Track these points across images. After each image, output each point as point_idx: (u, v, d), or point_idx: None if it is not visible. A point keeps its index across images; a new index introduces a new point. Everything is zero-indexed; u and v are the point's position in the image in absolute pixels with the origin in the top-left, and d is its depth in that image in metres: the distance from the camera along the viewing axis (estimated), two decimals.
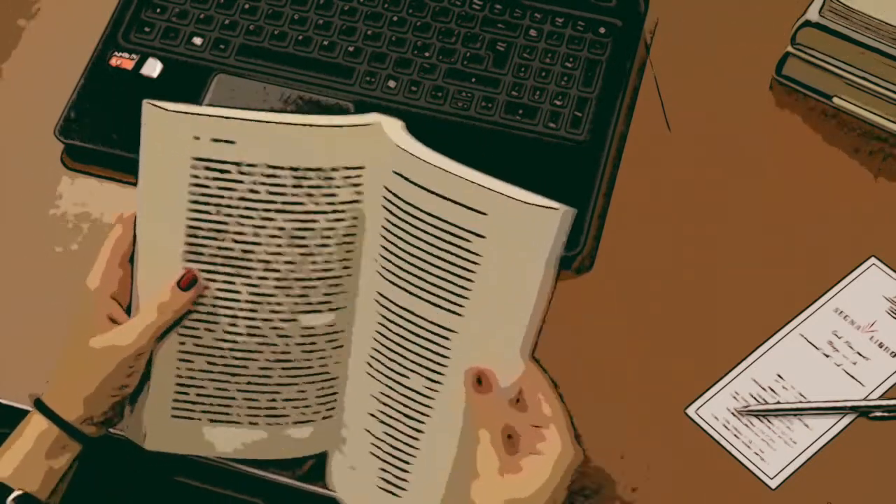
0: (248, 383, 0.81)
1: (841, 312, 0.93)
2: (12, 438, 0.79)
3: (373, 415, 0.79)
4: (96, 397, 0.78)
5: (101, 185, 0.99)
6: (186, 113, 0.76)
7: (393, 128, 0.76)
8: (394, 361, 0.77)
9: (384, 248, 0.76)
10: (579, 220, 0.95)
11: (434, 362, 0.76)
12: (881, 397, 0.89)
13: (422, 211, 0.73)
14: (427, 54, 1.03)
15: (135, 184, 0.98)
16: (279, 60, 1.03)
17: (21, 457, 0.78)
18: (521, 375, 0.76)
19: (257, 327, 0.80)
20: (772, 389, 0.90)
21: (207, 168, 0.76)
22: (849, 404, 0.89)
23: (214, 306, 0.79)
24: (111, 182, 0.99)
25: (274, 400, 0.81)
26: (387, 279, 0.76)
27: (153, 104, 0.75)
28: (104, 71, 1.02)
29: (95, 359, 0.78)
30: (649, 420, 0.89)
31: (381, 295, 0.77)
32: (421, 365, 0.76)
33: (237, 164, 0.76)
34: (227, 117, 0.76)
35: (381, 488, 0.80)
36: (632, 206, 0.98)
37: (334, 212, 0.77)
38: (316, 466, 0.85)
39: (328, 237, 0.78)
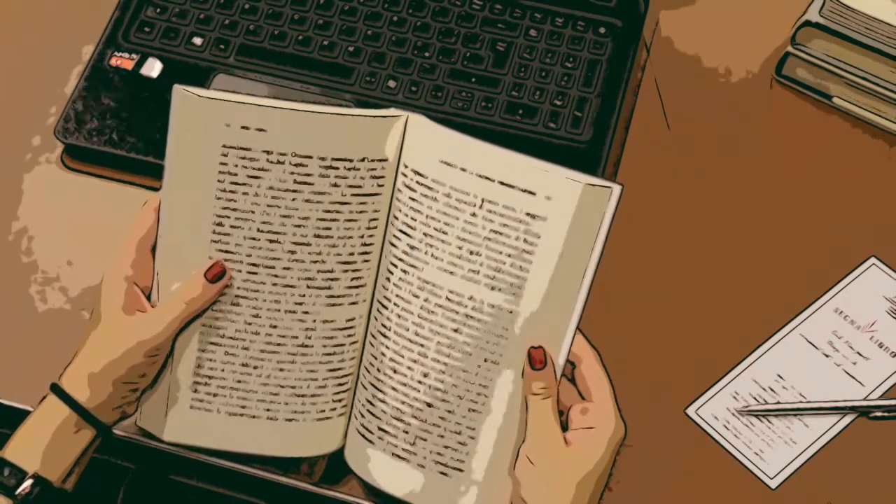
0: (269, 376, 0.81)
1: (841, 312, 0.93)
2: (29, 422, 0.78)
3: (427, 402, 0.79)
4: (118, 385, 0.78)
5: (101, 185, 0.99)
6: (218, 99, 0.75)
7: (420, 122, 0.77)
8: (447, 346, 0.77)
9: (429, 235, 0.76)
10: None
11: (492, 343, 0.77)
12: (881, 397, 0.89)
13: (477, 197, 0.75)
14: (427, 54, 1.03)
15: (135, 184, 0.99)
16: (279, 60, 1.03)
17: (37, 441, 0.77)
18: (572, 350, 0.77)
19: (280, 319, 0.80)
20: (772, 389, 0.90)
21: (237, 156, 0.76)
22: (849, 404, 0.89)
23: (238, 297, 0.79)
24: (111, 182, 0.99)
25: (294, 394, 0.81)
26: (435, 266, 0.76)
27: (185, 89, 0.75)
28: (104, 71, 1.02)
29: (119, 347, 0.77)
30: (649, 420, 0.88)
31: (426, 282, 0.77)
32: (479, 347, 0.77)
33: (267, 152, 0.76)
34: (258, 105, 0.75)
35: (440, 472, 0.80)
36: (632, 206, 0.98)
37: (359, 203, 0.78)
38: (328, 468, 0.86)
39: (350, 229, 0.78)
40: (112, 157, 0.98)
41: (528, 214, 0.75)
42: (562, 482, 0.74)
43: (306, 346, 0.80)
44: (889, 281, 0.94)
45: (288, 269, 0.78)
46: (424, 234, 0.77)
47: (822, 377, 0.90)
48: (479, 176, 0.75)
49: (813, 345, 0.91)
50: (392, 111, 0.77)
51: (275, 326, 0.80)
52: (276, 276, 0.79)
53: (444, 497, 0.80)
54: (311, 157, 0.76)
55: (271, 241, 0.78)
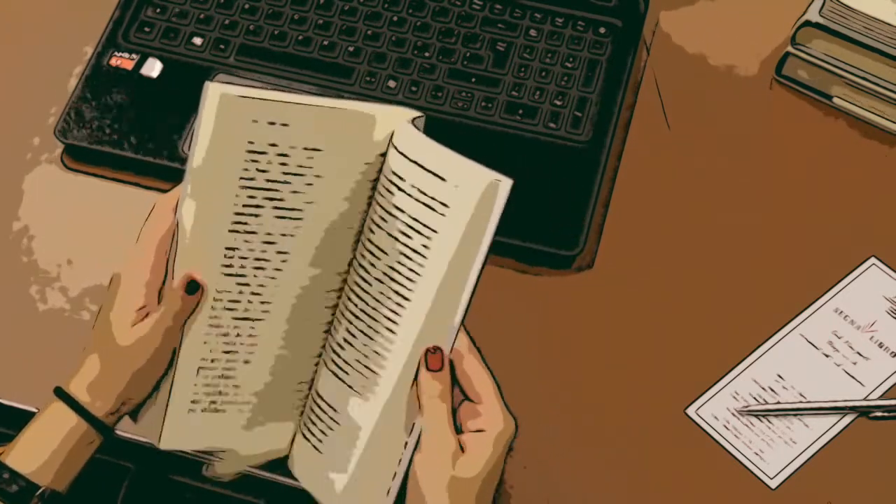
0: (272, 377, 0.80)
1: (841, 312, 0.93)
2: (35, 431, 0.77)
3: (326, 399, 0.79)
4: (127, 390, 0.77)
5: (101, 185, 0.99)
6: (256, 98, 0.74)
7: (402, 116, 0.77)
8: (341, 342, 0.77)
9: (367, 228, 0.76)
10: (579, 219, 0.95)
11: (388, 329, 0.76)
12: (881, 397, 0.89)
13: (407, 183, 0.74)
14: (427, 54, 1.03)
15: (135, 184, 0.99)
16: (279, 60, 1.03)
17: (47, 452, 0.76)
18: (456, 348, 0.75)
19: (292, 321, 0.79)
20: (772, 389, 0.90)
21: (268, 153, 0.75)
22: (849, 404, 0.89)
23: (253, 294, 0.78)
24: (111, 182, 0.99)
25: (299, 393, 0.81)
26: (358, 262, 0.77)
27: (217, 86, 0.73)
28: (104, 71, 1.02)
29: (125, 352, 0.76)
30: (649, 420, 0.89)
31: (350, 269, 0.77)
32: (377, 330, 0.76)
33: (292, 147, 0.75)
34: (286, 101, 0.74)
35: (310, 444, 0.80)
36: (632, 206, 0.98)
37: (368, 197, 0.77)
38: None
39: (352, 225, 0.78)
40: (112, 157, 0.98)
41: (437, 201, 0.73)
42: (458, 490, 0.72)
43: (313, 345, 0.80)
44: (889, 281, 0.94)
45: (301, 269, 0.78)
46: (389, 234, 0.76)
47: (822, 377, 0.90)
48: (412, 161, 0.74)
49: (813, 345, 0.91)
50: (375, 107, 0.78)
51: (284, 327, 0.79)
52: (287, 273, 0.78)
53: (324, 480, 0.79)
54: (336, 154, 0.76)
55: (286, 243, 0.77)
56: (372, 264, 0.76)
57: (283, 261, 0.78)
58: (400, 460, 0.76)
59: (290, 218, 0.77)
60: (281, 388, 0.81)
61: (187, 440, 0.82)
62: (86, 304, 0.93)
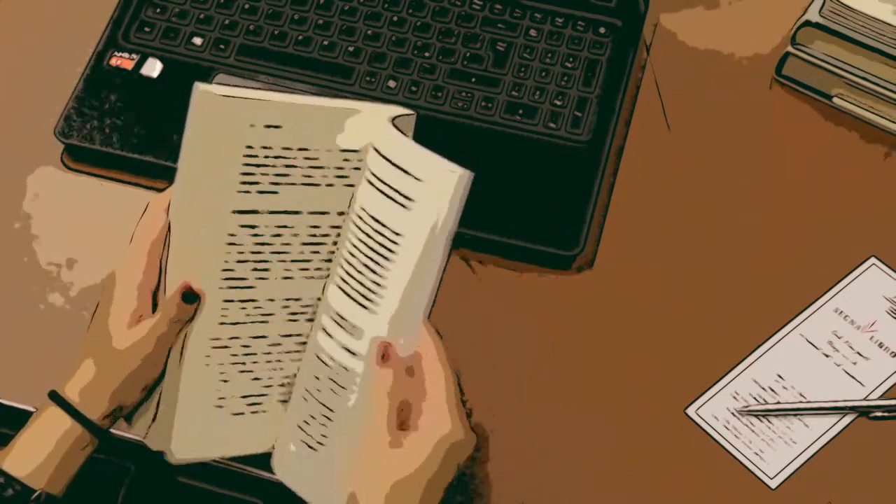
0: (269, 380, 0.80)
1: (841, 312, 0.93)
2: (30, 435, 0.77)
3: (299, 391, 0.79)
4: (121, 393, 0.77)
5: (101, 185, 0.99)
6: (244, 98, 0.74)
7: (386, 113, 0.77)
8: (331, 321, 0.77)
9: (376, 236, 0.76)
10: (579, 219, 0.95)
11: (356, 327, 0.75)
12: (881, 397, 0.89)
13: (381, 182, 0.74)
14: (427, 54, 1.03)
15: (135, 184, 0.99)
16: (279, 60, 1.03)
17: (42, 455, 0.76)
18: (419, 344, 0.75)
19: (293, 320, 0.79)
20: (772, 389, 0.90)
21: (260, 154, 0.74)
22: (849, 404, 0.89)
23: (249, 299, 0.78)
24: (111, 182, 0.99)
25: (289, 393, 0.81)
26: (338, 265, 0.77)
27: (206, 88, 0.72)
28: (104, 71, 1.02)
29: (120, 356, 0.76)
30: (649, 420, 0.89)
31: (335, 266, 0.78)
32: (346, 329, 0.76)
33: (287, 148, 0.75)
34: (278, 102, 0.74)
35: (303, 443, 0.79)
36: (632, 206, 0.98)
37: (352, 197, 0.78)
38: None
39: (342, 224, 0.78)
40: (112, 157, 0.98)
41: (405, 196, 0.73)
42: (380, 484, 0.71)
43: (302, 344, 0.80)
44: (889, 281, 0.94)
45: (303, 268, 0.78)
46: (361, 232, 0.76)
47: (822, 377, 0.90)
48: (383, 157, 0.74)
49: (813, 345, 0.91)
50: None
51: (287, 328, 0.79)
52: (286, 272, 0.78)
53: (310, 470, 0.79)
54: (331, 151, 0.76)
55: (284, 244, 0.77)
56: (347, 266, 0.76)
57: (280, 260, 0.78)
58: None
59: (284, 215, 0.77)
60: (276, 390, 0.81)
61: (198, 450, 0.81)
62: (86, 304, 0.93)
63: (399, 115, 0.77)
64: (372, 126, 0.76)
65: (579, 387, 0.90)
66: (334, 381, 0.77)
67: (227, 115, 0.73)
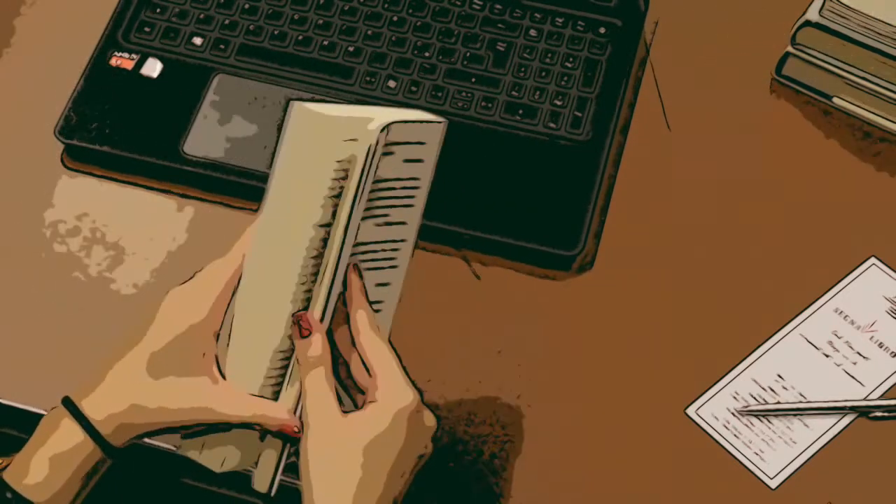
0: None
1: (841, 312, 0.93)
2: (47, 456, 0.73)
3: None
4: (157, 434, 0.74)
5: (101, 185, 0.99)
6: (338, 116, 0.71)
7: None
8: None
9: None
10: (579, 219, 0.95)
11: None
12: (881, 397, 0.89)
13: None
14: (427, 54, 1.03)
15: (135, 184, 0.99)
16: (279, 60, 1.03)
17: (61, 482, 0.73)
18: (354, 324, 0.74)
19: None
20: (772, 389, 0.90)
21: (346, 170, 0.72)
22: (849, 404, 0.89)
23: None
24: (111, 182, 0.99)
25: None
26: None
27: (305, 106, 0.70)
28: (104, 71, 1.02)
29: (180, 409, 0.72)
30: (649, 420, 0.89)
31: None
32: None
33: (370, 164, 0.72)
34: (368, 117, 0.72)
35: None
36: (632, 205, 0.98)
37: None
38: None
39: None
40: (112, 157, 0.98)
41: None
42: (341, 458, 0.70)
43: None
44: (889, 281, 0.94)
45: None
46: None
47: (822, 377, 0.90)
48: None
49: (813, 345, 0.91)
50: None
51: None
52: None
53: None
54: (418, 162, 0.75)
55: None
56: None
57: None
58: None
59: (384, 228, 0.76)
60: None
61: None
62: (85, 304, 0.93)
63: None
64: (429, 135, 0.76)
65: (579, 387, 0.90)
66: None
67: (323, 132, 0.71)
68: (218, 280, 0.74)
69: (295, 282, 0.72)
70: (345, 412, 0.71)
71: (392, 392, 0.72)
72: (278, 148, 0.72)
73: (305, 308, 0.73)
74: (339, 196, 0.71)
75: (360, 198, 0.71)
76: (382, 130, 0.71)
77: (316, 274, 0.73)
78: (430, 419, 0.74)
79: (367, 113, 0.73)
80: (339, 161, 0.71)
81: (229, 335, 0.74)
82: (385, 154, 0.72)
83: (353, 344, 0.74)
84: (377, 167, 0.72)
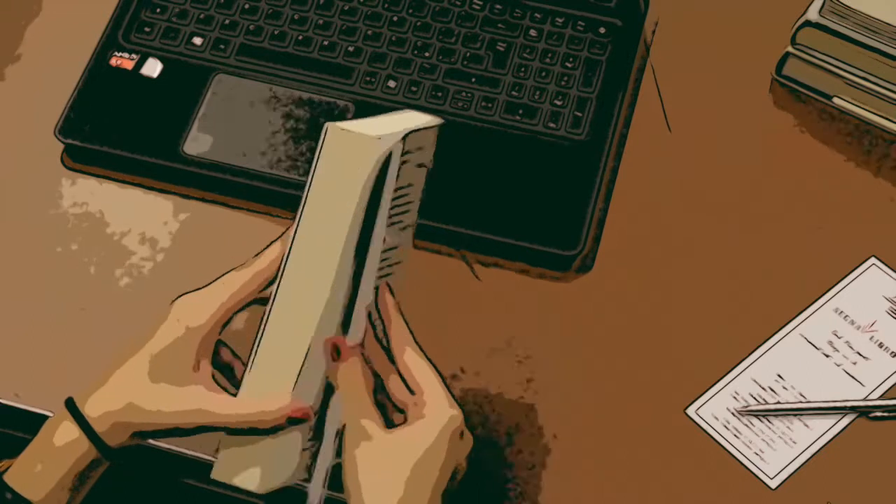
0: None
1: (841, 312, 0.93)
2: (45, 454, 0.74)
3: None
4: (151, 436, 0.74)
5: (101, 185, 0.99)
6: (369, 135, 0.71)
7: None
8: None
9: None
10: (579, 219, 0.95)
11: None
12: (881, 397, 0.89)
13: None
14: (427, 54, 1.03)
15: (135, 184, 0.99)
16: (279, 60, 1.03)
17: (55, 479, 0.73)
18: (392, 344, 0.74)
19: None
20: (772, 389, 0.90)
21: (377, 186, 0.72)
22: (849, 404, 0.89)
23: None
24: (111, 182, 0.99)
25: None
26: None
27: (339, 126, 0.71)
28: (104, 71, 1.02)
29: (175, 412, 0.73)
30: (649, 420, 0.89)
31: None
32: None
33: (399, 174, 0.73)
34: (397, 132, 0.72)
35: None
36: (632, 206, 0.98)
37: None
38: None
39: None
40: (112, 157, 0.98)
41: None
42: (389, 474, 0.71)
43: None
44: (889, 281, 0.94)
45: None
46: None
47: (822, 377, 0.90)
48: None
49: (813, 345, 0.91)
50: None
51: None
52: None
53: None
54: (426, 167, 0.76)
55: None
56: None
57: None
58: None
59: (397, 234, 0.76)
60: None
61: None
62: (85, 304, 0.93)
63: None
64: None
65: (579, 387, 0.90)
66: None
67: (356, 151, 0.72)
68: (227, 289, 0.75)
69: (326, 299, 0.73)
70: (388, 430, 0.72)
71: (439, 410, 0.73)
72: (312, 167, 0.72)
73: (344, 328, 0.74)
74: (370, 211, 0.72)
75: (386, 212, 0.73)
76: (403, 138, 0.72)
77: (349, 292, 0.74)
78: (468, 438, 0.75)
79: (384, 126, 0.74)
80: (366, 177, 0.72)
81: (256, 350, 0.74)
82: (402, 163, 0.73)
83: (392, 361, 0.75)
84: (398, 178, 0.72)
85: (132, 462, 0.78)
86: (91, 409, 0.74)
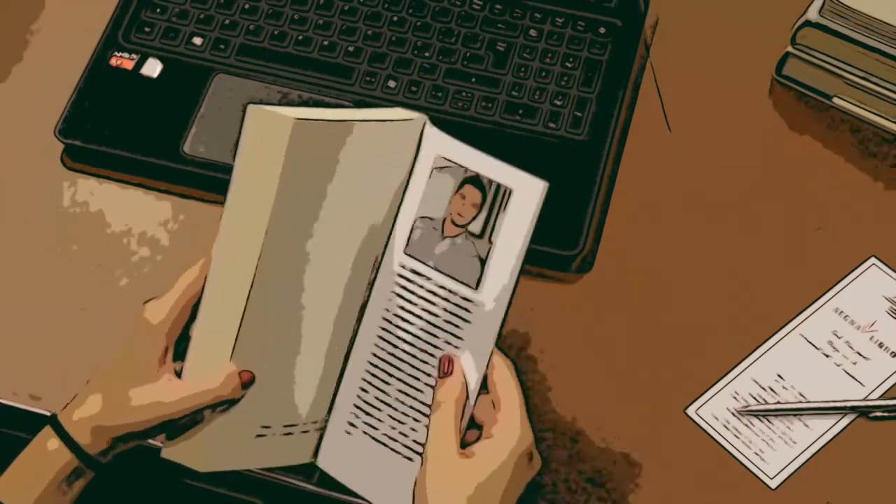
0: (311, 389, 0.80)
1: (841, 312, 0.93)
2: (28, 465, 0.76)
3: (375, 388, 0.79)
4: (127, 438, 0.76)
5: (101, 185, 0.99)
6: (292, 117, 0.72)
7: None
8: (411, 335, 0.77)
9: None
10: (579, 220, 0.95)
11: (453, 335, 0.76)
12: (881, 397, 0.89)
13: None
14: (427, 54, 1.03)
15: (135, 184, 0.99)
16: (279, 60, 1.03)
17: (38, 490, 0.75)
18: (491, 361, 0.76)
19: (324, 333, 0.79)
20: (772, 389, 0.90)
21: (303, 172, 0.73)
22: (849, 404, 0.89)
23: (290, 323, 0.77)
24: (111, 182, 0.99)
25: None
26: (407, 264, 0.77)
27: (259, 108, 0.72)
28: (104, 71, 1.02)
29: (135, 408, 0.75)
30: (649, 420, 0.89)
31: (404, 273, 0.77)
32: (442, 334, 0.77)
33: (333, 162, 0.74)
34: (324, 119, 0.74)
35: (406, 457, 0.79)
36: (632, 206, 0.98)
37: (398, 204, 0.78)
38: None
39: (382, 235, 0.78)
40: (112, 157, 0.98)
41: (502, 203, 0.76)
42: (453, 493, 0.72)
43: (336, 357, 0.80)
44: (889, 281, 0.94)
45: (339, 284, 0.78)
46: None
47: (822, 377, 0.90)
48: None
49: (813, 345, 0.91)
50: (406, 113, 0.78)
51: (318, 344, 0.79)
52: (329, 288, 0.78)
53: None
54: (380, 162, 0.76)
55: (327, 258, 0.77)
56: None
57: (323, 278, 0.77)
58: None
59: (327, 230, 0.76)
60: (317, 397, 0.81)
61: (226, 463, 0.80)
62: (84, 304, 0.93)
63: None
64: (411, 134, 0.77)
65: (579, 387, 0.90)
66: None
67: (276, 134, 0.72)
68: (181, 285, 0.76)
69: (253, 270, 0.74)
70: (461, 450, 0.74)
71: (510, 431, 0.74)
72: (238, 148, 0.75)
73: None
74: (299, 186, 0.74)
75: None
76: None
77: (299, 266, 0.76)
78: (537, 461, 0.76)
79: (331, 114, 0.75)
80: (282, 152, 0.73)
81: (192, 333, 0.77)
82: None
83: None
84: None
85: (115, 471, 0.79)
86: (70, 418, 0.76)
